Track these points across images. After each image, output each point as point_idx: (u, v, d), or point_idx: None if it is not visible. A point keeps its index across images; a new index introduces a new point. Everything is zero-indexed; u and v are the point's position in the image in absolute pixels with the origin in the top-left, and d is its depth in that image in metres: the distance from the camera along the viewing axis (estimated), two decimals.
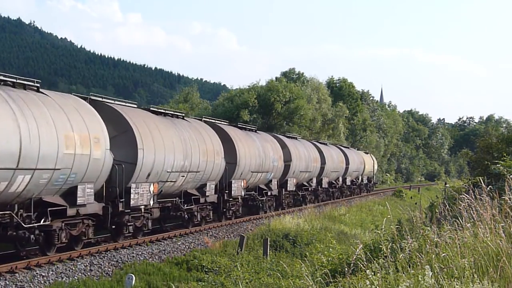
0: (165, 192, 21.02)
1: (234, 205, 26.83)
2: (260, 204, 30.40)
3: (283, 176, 33.18)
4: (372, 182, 60.89)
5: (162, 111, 22.64)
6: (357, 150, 60.32)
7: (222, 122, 28.88)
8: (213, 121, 27.72)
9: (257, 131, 32.35)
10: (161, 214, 21.20)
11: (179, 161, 21.02)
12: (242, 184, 27.00)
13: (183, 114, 24.24)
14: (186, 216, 22.38)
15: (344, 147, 52.18)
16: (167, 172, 20.18)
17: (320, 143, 45.06)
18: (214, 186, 24.31)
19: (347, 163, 47.55)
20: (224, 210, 25.90)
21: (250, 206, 29.73)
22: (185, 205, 22.13)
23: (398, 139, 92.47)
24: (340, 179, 46.31)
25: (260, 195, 30.24)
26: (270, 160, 30.49)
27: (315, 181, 39.30)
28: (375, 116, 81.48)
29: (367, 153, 61.96)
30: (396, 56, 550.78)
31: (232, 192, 25.86)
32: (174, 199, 21.71)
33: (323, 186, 41.42)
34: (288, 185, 33.74)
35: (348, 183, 49.04)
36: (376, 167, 63.57)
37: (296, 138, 39.39)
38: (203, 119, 26.68)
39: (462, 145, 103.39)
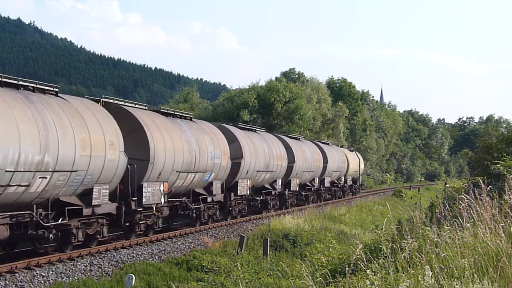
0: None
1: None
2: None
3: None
4: (358, 184, 53.43)
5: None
6: (341, 147, 53.96)
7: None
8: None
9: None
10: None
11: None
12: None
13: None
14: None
15: (323, 142, 46.35)
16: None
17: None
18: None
19: (325, 161, 41.49)
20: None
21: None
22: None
23: (398, 139, 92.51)
24: (317, 180, 39.69)
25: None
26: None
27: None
28: (375, 116, 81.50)
29: (352, 151, 55.56)
30: (396, 56, 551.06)
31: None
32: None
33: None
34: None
35: (327, 184, 42.41)
36: (362, 166, 56.50)
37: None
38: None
39: (462, 145, 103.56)
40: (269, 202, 31.34)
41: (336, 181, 45.94)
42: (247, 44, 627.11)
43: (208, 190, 24.04)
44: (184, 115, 24.11)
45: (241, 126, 31.05)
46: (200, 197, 23.38)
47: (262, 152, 29.42)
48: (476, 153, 25.00)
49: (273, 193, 31.71)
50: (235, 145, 26.65)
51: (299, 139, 39.34)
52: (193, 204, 22.75)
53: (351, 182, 50.51)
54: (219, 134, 25.65)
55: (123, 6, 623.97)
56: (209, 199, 24.03)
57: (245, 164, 27.11)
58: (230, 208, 26.52)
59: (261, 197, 30.43)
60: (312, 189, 39.08)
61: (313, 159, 38.00)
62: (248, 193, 27.86)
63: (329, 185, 42.75)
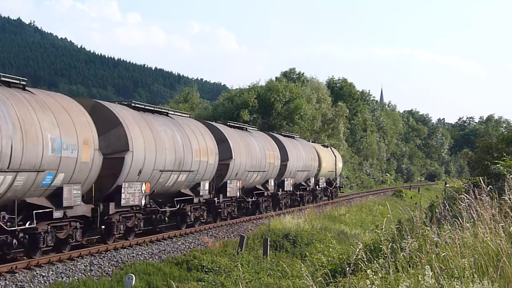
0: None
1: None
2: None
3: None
4: (334, 186, 44.82)
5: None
6: (313, 142, 45.85)
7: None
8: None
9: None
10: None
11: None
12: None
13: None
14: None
15: (284, 135, 37.93)
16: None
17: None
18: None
19: (284, 158, 32.91)
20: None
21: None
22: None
23: (398, 139, 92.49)
24: (272, 182, 31.25)
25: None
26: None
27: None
28: (375, 116, 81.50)
29: (326, 146, 46.17)
30: (396, 56, 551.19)
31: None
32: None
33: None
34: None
35: (288, 187, 33.60)
36: (340, 165, 47.48)
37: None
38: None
39: (462, 145, 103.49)
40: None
41: (303, 184, 37.68)
42: (247, 44, 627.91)
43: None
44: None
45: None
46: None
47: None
48: (476, 153, 24.98)
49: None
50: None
51: (293, 137, 37.99)
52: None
53: (324, 184, 41.95)
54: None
55: (122, 6, 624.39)
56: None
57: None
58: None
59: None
60: (266, 194, 30.98)
61: (264, 155, 29.99)
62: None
63: (290, 189, 34.17)
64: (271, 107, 51.36)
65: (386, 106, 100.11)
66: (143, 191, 18.82)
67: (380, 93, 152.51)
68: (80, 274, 14.73)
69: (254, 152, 28.48)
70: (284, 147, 32.97)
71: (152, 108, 21.96)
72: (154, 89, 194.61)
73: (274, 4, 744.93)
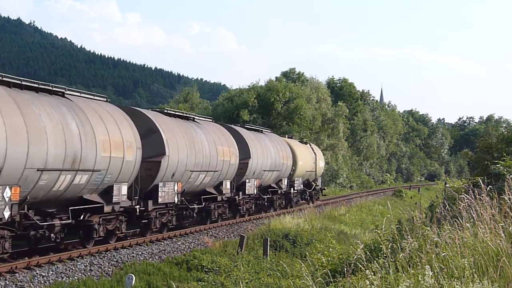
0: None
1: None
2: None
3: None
4: (313, 188, 38.81)
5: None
6: (290, 137, 39.03)
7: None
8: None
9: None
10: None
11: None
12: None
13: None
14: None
15: (250, 128, 31.80)
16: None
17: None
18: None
19: (245, 156, 27.49)
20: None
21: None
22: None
23: (398, 139, 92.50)
24: (228, 184, 25.70)
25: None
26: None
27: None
28: (375, 116, 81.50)
29: (305, 143, 39.84)
30: (396, 56, 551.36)
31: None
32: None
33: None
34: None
35: (251, 191, 28.01)
36: (322, 164, 41.51)
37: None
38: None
39: (462, 145, 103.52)
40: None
41: (273, 186, 32.35)
42: (247, 44, 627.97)
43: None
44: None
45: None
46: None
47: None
48: (476, 153, 25.00)
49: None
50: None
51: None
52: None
53: (301, 186, 36.23)
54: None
55: (122, 6, 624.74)
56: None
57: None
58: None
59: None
60: (220, 198, 25.19)
61: (215, 152, 24.45)
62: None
63: (254, 192, 28.65)
64: (271, 107, 51.38)
65: (386, 106, 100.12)
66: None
67: (380, 93, 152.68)
68: (80, 274, 14.73)
69: (199, 147, 23.09)
70: (245, 143, 27.68)
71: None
72: (154, 89, 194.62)
73: (274, 4, 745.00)
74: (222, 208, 25.85)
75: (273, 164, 31.09)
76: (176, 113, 23.78)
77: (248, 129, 30.78)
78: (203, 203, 23.79)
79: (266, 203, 31.28)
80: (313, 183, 38.73)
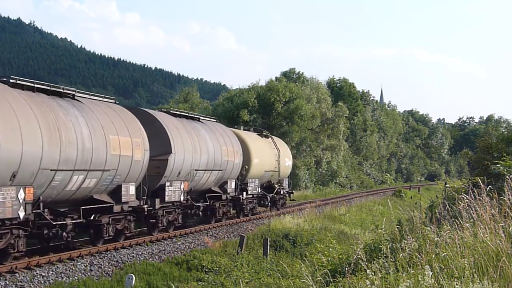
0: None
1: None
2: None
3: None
4: (276, 192, 31.34)
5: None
6: (246, 129, 31.57)
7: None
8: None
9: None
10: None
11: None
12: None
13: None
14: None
15: (173, 113, 23.35)
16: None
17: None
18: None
19: (166, 150, 20.51)
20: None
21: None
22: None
23: (398, 139, 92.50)
24: (131, 189, 18.47)
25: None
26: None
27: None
28: (375, 116, 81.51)
29: (266, 136, 32.07)
30: (396, 56, 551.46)
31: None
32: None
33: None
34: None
35: (173, 197, 20.75)
36: (289, 163, 33.93)
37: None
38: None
39: (462, 145, 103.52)
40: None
41: (216, 190, 25.04)
42: (246, 44, 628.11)
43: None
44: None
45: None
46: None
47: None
48: (476, 153, 24.98)
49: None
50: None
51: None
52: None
53: (258, 189, 28.76)
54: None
55: (121, 6, 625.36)
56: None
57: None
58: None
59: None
60: (117, 209, 17.88)
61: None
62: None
63: (180, 198, 21.23)
64: (271, 107, 51.37)
65: (386, 106, 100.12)
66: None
67: (380, 93, 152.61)
68: (80, 274, 14.73)
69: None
70: (165, 132, 20.58)
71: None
72: (154, 89, 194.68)
73: (274, 4, 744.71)
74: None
75: (211, 162, 23.54)
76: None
77: (174, 115, 23.03)
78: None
79: (200, 213, 23.58)
80: (276, 185, 31.33)
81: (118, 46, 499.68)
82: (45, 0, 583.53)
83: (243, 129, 30.70)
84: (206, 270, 16.04)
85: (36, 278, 13.70)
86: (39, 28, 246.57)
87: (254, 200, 29.24)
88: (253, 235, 21.87)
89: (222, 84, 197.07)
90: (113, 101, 19.38)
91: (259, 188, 29.18)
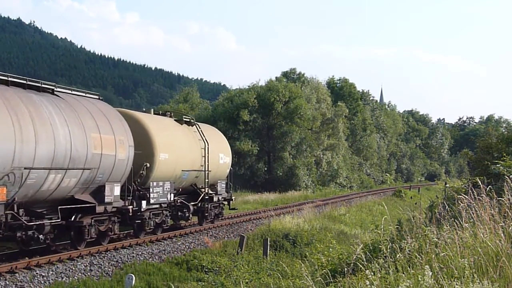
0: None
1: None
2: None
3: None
4: (201, 199, 23.25)
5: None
6: (167, 114, 23.42)
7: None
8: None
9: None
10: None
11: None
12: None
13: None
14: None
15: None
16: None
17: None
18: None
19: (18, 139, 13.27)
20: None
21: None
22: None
23: (398, 139, 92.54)
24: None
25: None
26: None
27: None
28: (375, 116, 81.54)
29: (190, 124, 23.67)
30: (396, 56, 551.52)
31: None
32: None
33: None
34: None
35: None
36: (225, 160, 25.85)
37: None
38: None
39: (462, 145, 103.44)
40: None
41: (85, 199, 16.28)
42: (246, 44, 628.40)
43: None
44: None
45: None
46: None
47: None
48: (476, 153, 24.98)
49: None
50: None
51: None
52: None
53: (170, 197, 20.55)
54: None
55: (120, 6, 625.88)
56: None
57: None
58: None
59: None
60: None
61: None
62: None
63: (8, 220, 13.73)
64: (271, 107, 51.40)
65: (386, 106, 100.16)
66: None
67: (380, 93, 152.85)
68: (80, 274, 14.73)
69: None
70: None
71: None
72: (154, 89, 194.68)
73: (274, 4, 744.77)
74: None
75: (64, 157, 14.85)
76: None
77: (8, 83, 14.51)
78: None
79: (41, 237, 14.80)
80: (202, 190, 23.40)
81: (118, 46, 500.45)
82: (44, 0, 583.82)
83: (155, 113, 22.47)
84: (206, 270, 16.06)
85: (36, 278, 13.70)
86: (39, 28, 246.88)
87: (165, 212, 20.71)
88: (253, 235, 21.87)
89: (222, 84, 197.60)
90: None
91: (172, 195, 20.78)
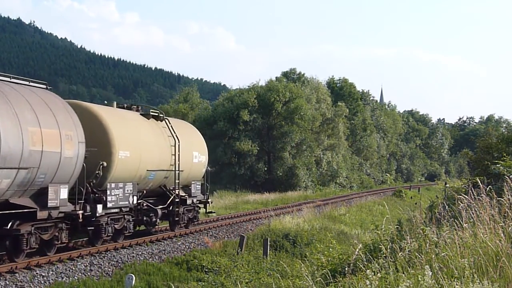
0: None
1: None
2: None
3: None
4: (171, 202, 20.84)
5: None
6: (130, 108, 20.70)
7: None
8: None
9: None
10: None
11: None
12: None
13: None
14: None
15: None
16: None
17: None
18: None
19: None
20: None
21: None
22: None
23: (398, 139, 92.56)
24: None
25: None
26: None
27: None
28: (374, 116, 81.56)
29: (158, 119, 21.12)
30: (396, 56, 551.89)
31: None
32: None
33: None
34: None
35: None
36: (200, 159, 23.38)
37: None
38: None
39: (462, 145, 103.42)
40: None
41: (22, 203, 13.89)
42: (246, 44, 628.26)
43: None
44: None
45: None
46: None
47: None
48: (476, 153, 24.99)
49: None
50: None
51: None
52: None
53: (133, 200, 18.48)
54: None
55: (120, 6, 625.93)
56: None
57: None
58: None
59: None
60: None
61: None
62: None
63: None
64: (271, 107, 51.42)
65: (386, 106, 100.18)
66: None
67: (380, 93, 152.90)
68: (80, 274, 14.74)
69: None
70: None
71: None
72: (154, 89, 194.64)
73: (273, 4, 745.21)
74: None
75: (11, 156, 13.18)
76: None
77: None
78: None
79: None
80: (172, 192, 21.04)
81: (118, 46, 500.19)
82: (44, 0, 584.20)
83: (118, 107, 20.33)
84: (206, 270, 16.06)
85: (36, 278, 13.70)
86: (39, 28, 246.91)
87: (126, 217, 18.61)
88: (253, 235, 21.87)
89: (222, 84, 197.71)
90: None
91: (135, 198, 18.73)
